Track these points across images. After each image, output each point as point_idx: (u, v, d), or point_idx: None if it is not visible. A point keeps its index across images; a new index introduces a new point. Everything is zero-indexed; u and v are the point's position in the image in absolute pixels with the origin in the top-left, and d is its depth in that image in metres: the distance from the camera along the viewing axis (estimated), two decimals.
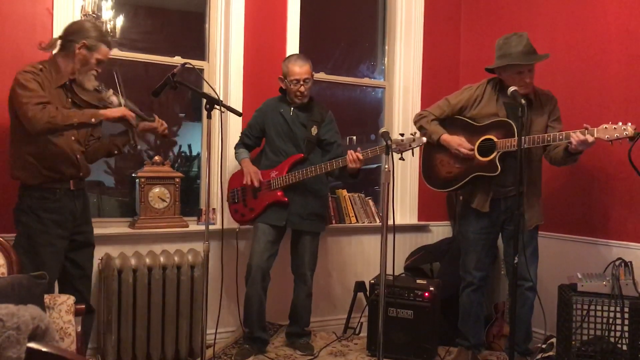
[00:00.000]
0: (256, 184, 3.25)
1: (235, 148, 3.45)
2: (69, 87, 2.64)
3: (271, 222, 3.28)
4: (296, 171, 3.20)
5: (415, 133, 2.76)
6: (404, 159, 2.71)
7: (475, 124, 3.05)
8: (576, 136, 2.68)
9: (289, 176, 3.22)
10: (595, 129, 2.65)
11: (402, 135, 2.67)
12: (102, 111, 2.61)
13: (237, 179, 3.42)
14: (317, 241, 3.39)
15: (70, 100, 2.64)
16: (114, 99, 2.69)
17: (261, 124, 3.37)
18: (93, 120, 2.55)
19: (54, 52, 2.66)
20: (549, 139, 2.80)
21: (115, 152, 2.88)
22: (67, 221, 2.64)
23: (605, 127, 2.63)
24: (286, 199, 3.24)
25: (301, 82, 3.23)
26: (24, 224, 2.58)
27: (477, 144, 3.01)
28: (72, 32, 2.61)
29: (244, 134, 3.45)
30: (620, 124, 2.60)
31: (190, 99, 3.84)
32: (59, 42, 2.64)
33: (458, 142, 3.03)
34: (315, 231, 3.36)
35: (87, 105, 2.66)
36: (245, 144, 3.43)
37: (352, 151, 3.02)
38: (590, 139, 2.65)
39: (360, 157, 3.00)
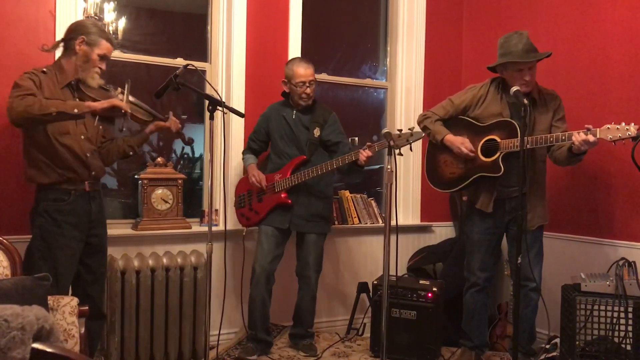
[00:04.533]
0: (263, 183, 3.28)
1: (243, 153, 3.49)
2: (75, 86, 2.62)
3: (275, 224, 3.29)
4: (299, 172, 3.22)
5: (412, 128, 2.74)
6: (402, 154, 2.69)
7: (479, 124, 3.05)
8: (578, 136, 2.67)
9: (292, 178, 3.23)
10: (598, 129, 2.63)
11: (399, 130, 2.66)
12: (88, 102, 2.53)
13: (244, 184, 3.46)
14: (321, 243, 3.38)
15: (77, 99, 2.61)
16: (121, 97, 2.65)
17: (265, 128, 3.41)
18: (76, 110, 2.44)
19: (58, 55, 2.67)
20: (551, 139, 2.79)
21: (130, 153, 2.86)
22: (82, 223, 2.63)
23: (608, 128, 2.62)
24: (289, 201, 3.25)
25: (307, 84, 3.25)
26: (39, 226, 2.56)
27: (481, 144, 3.01)
28: (72, 31, 2.62)
29: (250, 139, 3.48)
30: (623, 124, 2.59)
31: (193, 100, 3.84)
32: (61, 44, 2.66)
33: (461, 141, 3.03)
34: (320, 232, 3.35)
35: None
36: (252, 149, 3.46)
37: (362, 150, 3.04)
38: (591, 138, 2.64)
39: (370, 153, 3.03)
